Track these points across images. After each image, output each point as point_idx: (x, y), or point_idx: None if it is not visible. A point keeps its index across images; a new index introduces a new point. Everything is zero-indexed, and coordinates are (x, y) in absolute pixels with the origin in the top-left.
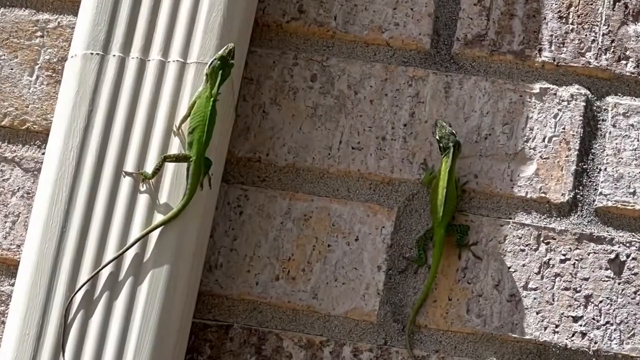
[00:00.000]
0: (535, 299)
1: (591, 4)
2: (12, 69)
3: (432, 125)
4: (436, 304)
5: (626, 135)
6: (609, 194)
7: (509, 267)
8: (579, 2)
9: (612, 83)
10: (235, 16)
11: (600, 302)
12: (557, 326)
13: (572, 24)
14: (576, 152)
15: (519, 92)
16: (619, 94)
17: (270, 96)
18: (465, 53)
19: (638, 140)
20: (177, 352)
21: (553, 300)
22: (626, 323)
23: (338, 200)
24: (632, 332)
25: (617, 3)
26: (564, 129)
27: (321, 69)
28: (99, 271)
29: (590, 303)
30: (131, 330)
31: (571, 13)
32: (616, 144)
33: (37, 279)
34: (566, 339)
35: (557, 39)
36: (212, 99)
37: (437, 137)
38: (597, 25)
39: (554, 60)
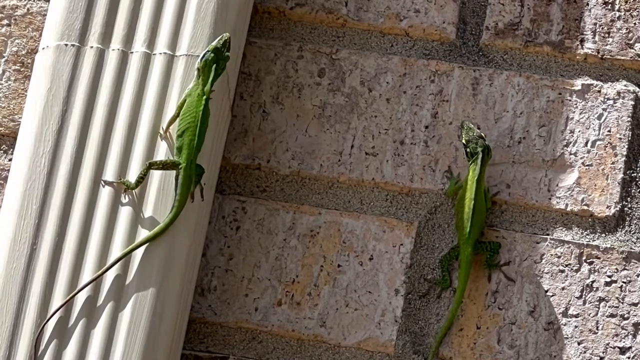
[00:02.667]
0: (576, 327)
1: None
2: None
3: (458, 128)
4: (462, 333)
5: None
6: None
7: (547, 291)
8: None
9: None
10: (231, 1)
11: None
12: (601, 358)
13: (618, 10)
14: (623, 159)
15: (557, 90)
16: None
17: (271, 94)
18: (496, 44)
19: None
20: None
21: (597, 328)
22: None
23: (349, 214)
24: None
25: None
26: (609, 131)
27: (330, 62)
28: (74, 295)
29: (639, 332)
30: None
31: None
32: None
33: (3, 304)
34: None
35: (602, 28)
36: (204, 96)
37: (464, 141)
38: None
39: (598, 53)
